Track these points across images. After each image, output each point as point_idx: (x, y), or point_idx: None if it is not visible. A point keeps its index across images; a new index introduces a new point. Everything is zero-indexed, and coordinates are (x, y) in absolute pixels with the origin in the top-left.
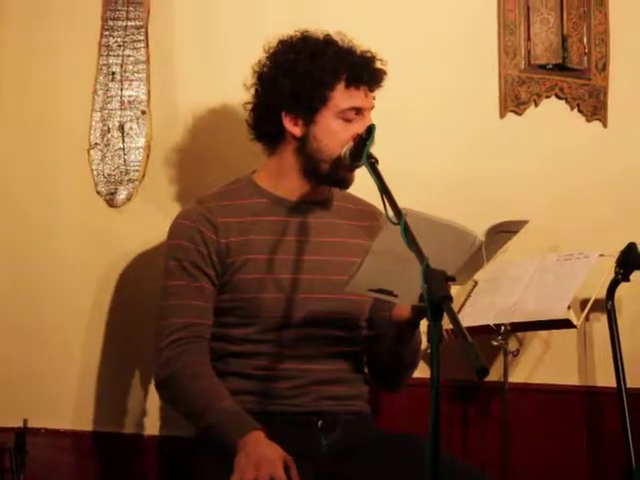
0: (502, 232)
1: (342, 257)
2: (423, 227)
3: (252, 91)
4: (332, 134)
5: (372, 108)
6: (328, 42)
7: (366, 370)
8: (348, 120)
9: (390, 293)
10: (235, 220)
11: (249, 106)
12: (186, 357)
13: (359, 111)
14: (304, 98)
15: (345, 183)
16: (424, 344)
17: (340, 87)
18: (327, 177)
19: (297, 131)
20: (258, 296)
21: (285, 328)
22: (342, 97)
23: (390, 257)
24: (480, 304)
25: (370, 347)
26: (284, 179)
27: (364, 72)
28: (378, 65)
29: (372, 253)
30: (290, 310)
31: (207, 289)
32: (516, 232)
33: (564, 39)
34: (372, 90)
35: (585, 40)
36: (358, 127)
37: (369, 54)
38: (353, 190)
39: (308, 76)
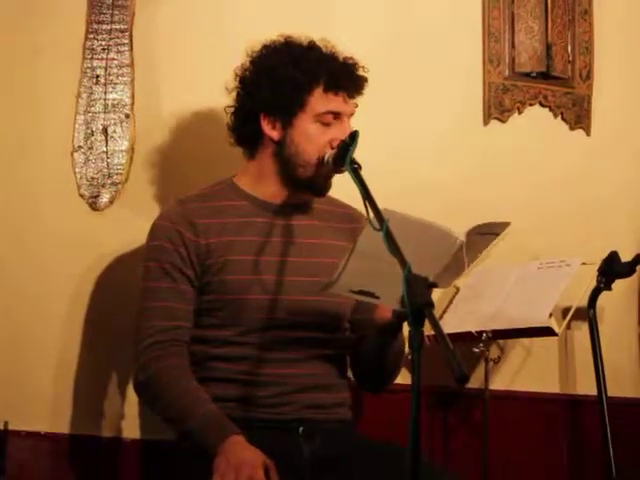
0: (483, 234)
1: (325, 259)
2: (404, 228)
3: (234, 95)
4: (309, 138)
5: (352, 114)
6: (310, 47)
7: (349, 373)
8: (326, 124)
9: (373, 295)
10: (215, 221)
11: (230, 110)
12: (165, 360)
13: (337, 116)
14: (282, 101)
15: (322, 190)
16: (406, 350)
17: (318, 91)
18: (304, 182)
19: (275, 134)
20: (242, 297)
21: (268, 330)
22: (320, 101)
23: (373, 258)
24: (462, 311)
25: (353, 350)
26: (264, 183)
27: (343, 78)
28: (359, 72)
29: (355, 254)
30: (273, 312)
31: (187, 291)
32: (497, 234)
33: (548, 47)
34: (352, 97)
35: (569, 48)
36: (336, 132)
37: (351, 61)
38: (332, 194)
39: (287, 79)
